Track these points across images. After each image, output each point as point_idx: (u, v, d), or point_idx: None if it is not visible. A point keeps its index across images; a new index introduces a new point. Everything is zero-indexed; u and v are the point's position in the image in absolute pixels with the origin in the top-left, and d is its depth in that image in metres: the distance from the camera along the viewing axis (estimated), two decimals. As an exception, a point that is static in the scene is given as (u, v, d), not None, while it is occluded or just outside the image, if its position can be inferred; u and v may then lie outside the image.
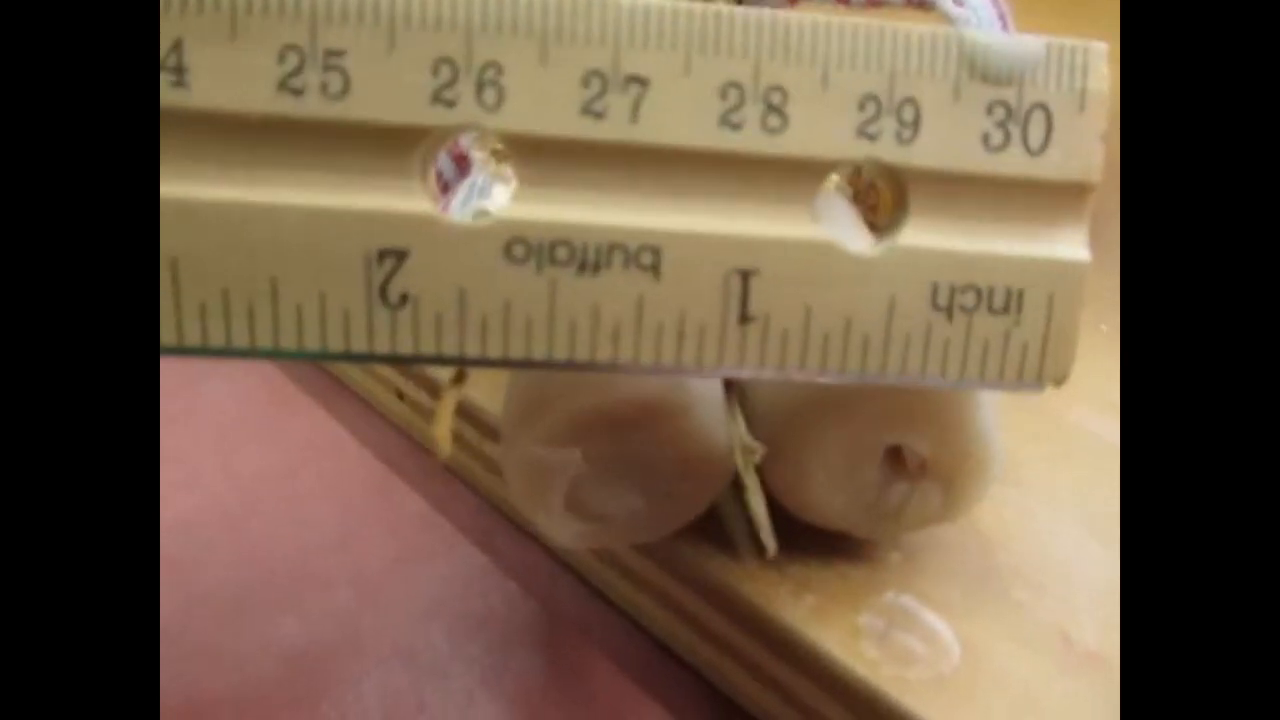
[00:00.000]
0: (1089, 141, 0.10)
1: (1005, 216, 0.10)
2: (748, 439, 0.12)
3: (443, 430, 0.11)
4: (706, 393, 0.13)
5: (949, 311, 0.10)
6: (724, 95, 0.10)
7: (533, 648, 0.16)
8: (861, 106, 0.10)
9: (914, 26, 0.10)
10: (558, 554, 0.17)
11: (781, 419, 0.13)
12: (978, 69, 0.10)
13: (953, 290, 0.10)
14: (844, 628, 0.13)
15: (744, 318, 0.10)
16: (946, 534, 0.14)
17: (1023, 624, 0.13)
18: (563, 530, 0.13)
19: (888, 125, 0.10)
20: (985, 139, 0.10)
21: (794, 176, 0.10)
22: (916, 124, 0.10)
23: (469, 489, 0.19)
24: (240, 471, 0.19)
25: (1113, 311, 0.20)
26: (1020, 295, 0.11)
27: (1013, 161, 0.10)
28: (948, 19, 0.15)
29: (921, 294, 0.10)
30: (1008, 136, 0.10)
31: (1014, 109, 0.10)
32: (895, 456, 0.13)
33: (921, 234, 0.10)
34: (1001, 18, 0.18)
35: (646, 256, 0.10)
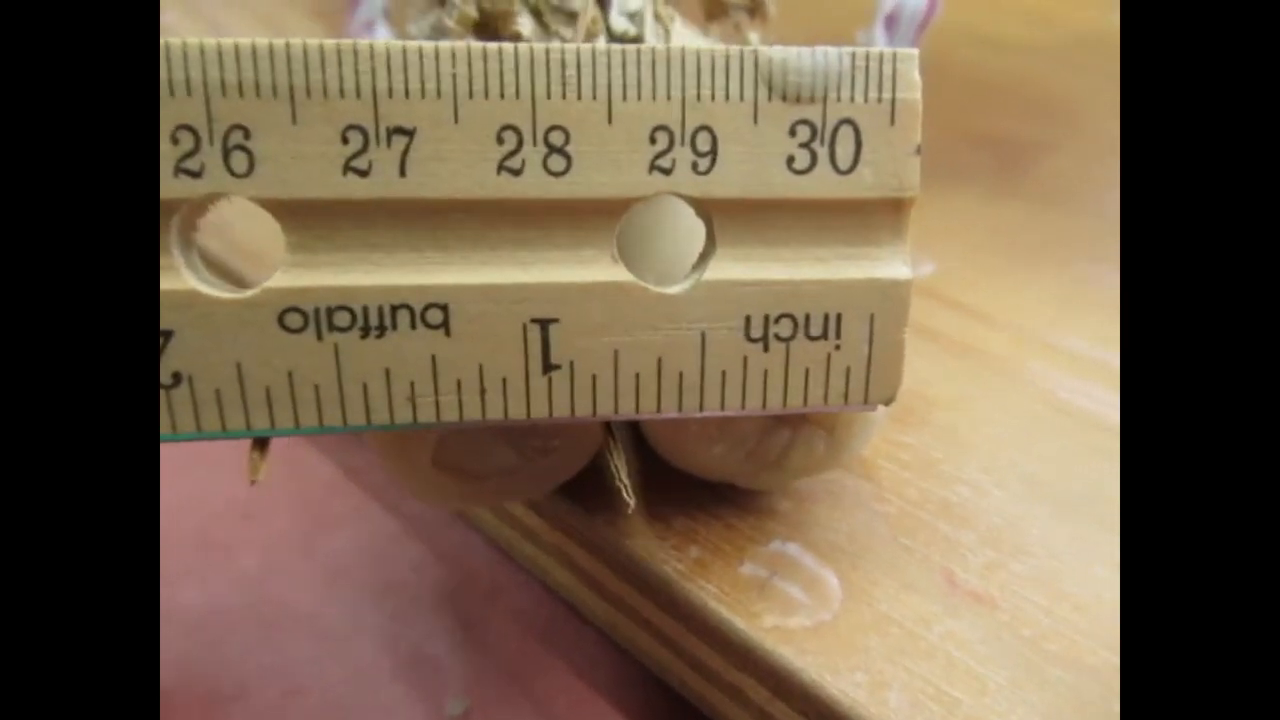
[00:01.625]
0: (902, 155, 0.10)
1: (818, 240, 0.10)
2: None
3: (253, 458, 0.11)
4: None
5: (765, 342, 0.10)
6: (500, 140, 0.09)
7: (437, 612, 0.15)
8: (652, 139, 0.09)
9: (709, 47, 0.09)
10: (467, 517, 0.17)
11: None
12: (776, 88, 0.10)
13: (767, 320, 0.10)
14: (725, 579, 0.13)
15: (547, 366, 0.10)
16: (839, 481, 0.14)
17: (908, 567, 0.13)
18: (433, 490, 0.13)
19: (683, 156, 0.09)
20: (790, 161, 0.10)
21: (586, 219, 0.09)
22: (714, 152, 0.09)
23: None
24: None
25: (1035, 248, 0.20)
26: (839, 319, 0.10)
27: (821, 183, 0.10)
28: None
29: (734, 327, 0.10)
30: (814, 157, 0.10)
31: (819, 127, 0.10)
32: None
33: (730, 266, 0.10)
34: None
35: (434, 315, 0.09)
